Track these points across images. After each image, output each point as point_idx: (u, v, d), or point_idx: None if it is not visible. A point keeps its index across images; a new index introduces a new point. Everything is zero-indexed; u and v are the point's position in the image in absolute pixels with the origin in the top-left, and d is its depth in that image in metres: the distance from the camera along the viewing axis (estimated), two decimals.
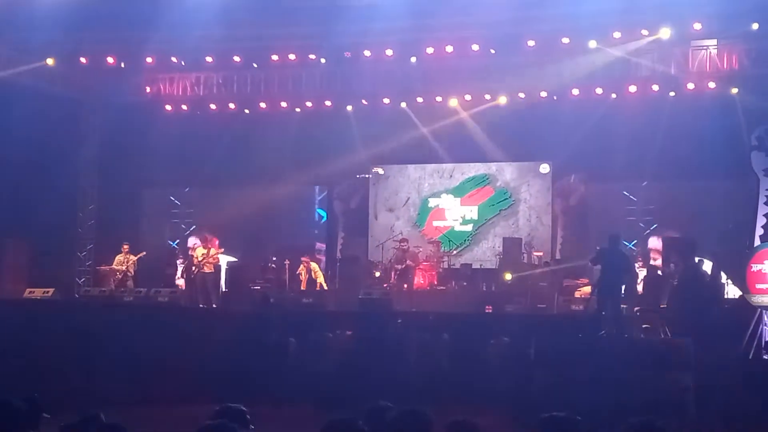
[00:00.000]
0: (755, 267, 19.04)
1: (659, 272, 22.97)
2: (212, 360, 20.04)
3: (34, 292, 23.73)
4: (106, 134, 27.01)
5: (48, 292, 23.91)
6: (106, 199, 27.80)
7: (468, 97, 25.70)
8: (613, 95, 24.50)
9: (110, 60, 25.44)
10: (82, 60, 25.34)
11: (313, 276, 25.24)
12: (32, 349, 18.89)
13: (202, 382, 18.80)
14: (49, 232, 25.42)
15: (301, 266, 25.36)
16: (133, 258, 25.67)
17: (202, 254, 24.95)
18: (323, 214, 29.41)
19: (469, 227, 27.72)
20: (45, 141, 24.88)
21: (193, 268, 24.96)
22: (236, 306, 23.76)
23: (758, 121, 20.50)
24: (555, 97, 25.01)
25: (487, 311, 22.97)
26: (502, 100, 25.80)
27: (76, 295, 26.11)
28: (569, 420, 6.78)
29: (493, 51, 23.99)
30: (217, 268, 25.02)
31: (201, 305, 24.23)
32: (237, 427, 6.77)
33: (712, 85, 23.34)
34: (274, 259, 26.04)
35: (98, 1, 22.38)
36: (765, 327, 18.98)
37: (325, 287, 25.23)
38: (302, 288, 25.09)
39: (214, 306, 24.21)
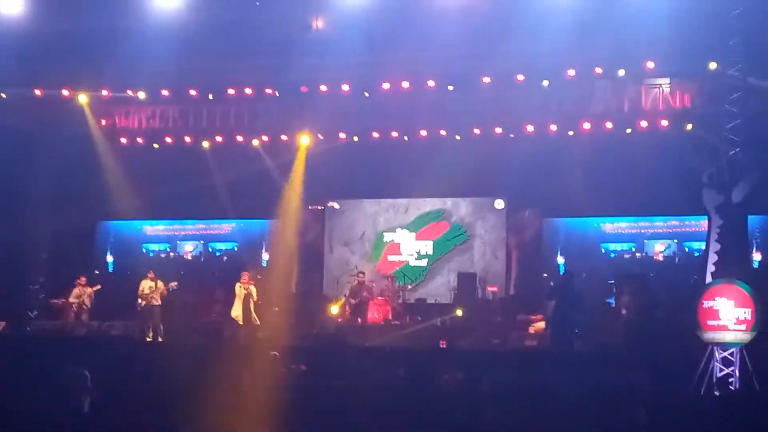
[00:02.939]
0: (707, 303, 19.15)
1: (611, 306, 23.14)
2: (162, 395, 19.86)
3: None
4: (60, 167, 26.76)
5: None
6: (59, 232, 27.50)
7: (424, 133, 25.71)
8: (570, 132, 24.59)
9: (65, 92, 25.31)
10: (37, 92, 25.19)
11: (251, 297, 24.92)
12: None
13: (152, 417, 18.61)
14: (1, 264, 25.14)
15: (239, 285, 25.08)
16: (89, 290, 25.48)
17: (149, 287, 24.83)
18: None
19: (424, 262, 27.74)
20: None
21: (140, 301, 24.80)
22: (184, 340, 23.53)
23: (710, 158, 20.70)
24: (511, 135, 25.01)
25: (441, 346, 22.96)
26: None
27: (28, 329, 25.81)
28: None
29: (451, 87, 24.11)
30: (166, 300, 24.90)
31: (148, 339, 24.00)
32: None
33: (665, 123, 23.55)
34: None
35: (53, 33, 22.35)
36: (716, 363, 19.09)
37: (257, 320, 24.98)
38: (233, 309, 24.88)
39: (159, 340, 24.00)
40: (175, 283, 25.36)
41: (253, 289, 25.03)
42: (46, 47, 22.65)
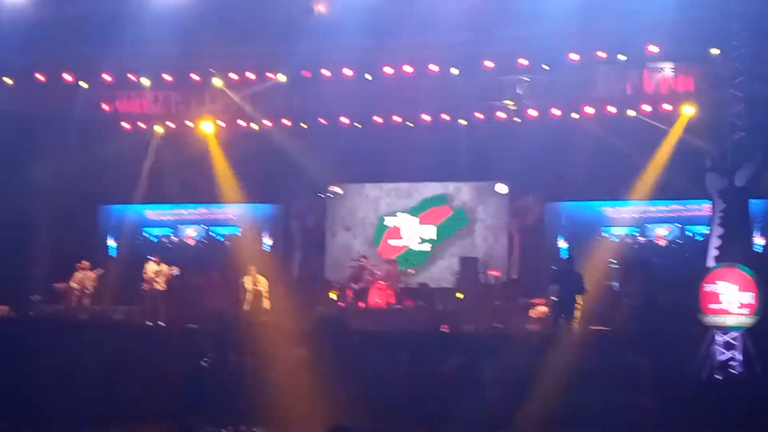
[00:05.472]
0: (708, 287, 19.18)
1: (614, 291, 23.14)
2: (168, 379, 19.92)
3: None
4: (63, 151, 26.75)
5: (2, 310, 23.69)
6: (62, 216, 27.48)
7: (426, 117, 25.69)
8: (575, 115, 24.55)
9: (68, 77, 25.28)
10: (39, 77, 25.15)
11: (259, 288, 24.85)
12: None
13: (157, 402, 18.69)
14: (3, 249, 25.14)
15: (249, 276, 25.02)
16: (91, 275, 25.44)
17: (154, 271, 24.78)
18: None
19: (426, 247, 27.73)
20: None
21: (144, 285, 24.76)
22: (188, 324, 23.51)
23: (713, 142, 20.72)
24: (515, 119, 24.99)
25: (443, 330, 22.96)
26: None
27: (31, 313, 25.78)
28: None
29: (454, 71, 24.06)
30: (170, 285, 24.85)
31: (151, 323, 23.94)
32: None
33: (667, 107, 23.54)
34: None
35: (55, 18, 22.34)
36: (717, 347, 19.12)
37: (268, 305, 24.89)
38: (245, 299, 24.81)
39: (162, 324, 23.94)
40: (176, 270, 25.30)
41: (262, 280, 24.89)
42: (49, 32, 22.61)
